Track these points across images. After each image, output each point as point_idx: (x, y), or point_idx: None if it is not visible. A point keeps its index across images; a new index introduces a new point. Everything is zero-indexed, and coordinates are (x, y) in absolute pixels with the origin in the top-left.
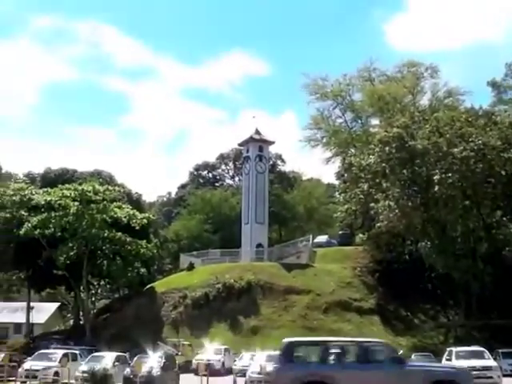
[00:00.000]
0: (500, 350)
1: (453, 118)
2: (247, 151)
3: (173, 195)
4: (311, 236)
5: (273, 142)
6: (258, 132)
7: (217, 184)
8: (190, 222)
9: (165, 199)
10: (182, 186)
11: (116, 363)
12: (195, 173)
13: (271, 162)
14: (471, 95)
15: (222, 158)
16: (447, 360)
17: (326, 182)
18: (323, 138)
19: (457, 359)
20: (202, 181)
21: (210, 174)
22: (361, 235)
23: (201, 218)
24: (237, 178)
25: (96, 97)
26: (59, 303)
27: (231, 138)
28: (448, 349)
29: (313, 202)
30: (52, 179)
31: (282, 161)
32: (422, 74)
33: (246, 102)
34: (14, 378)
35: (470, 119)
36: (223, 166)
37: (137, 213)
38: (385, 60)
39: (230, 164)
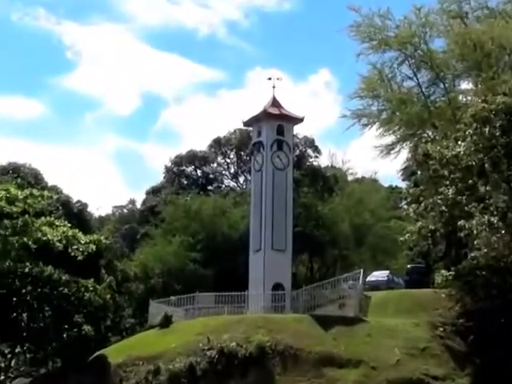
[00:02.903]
0: None
1: None
2: (258, 134)
3: (138, 205)
4: (362, 271)
5: (300, 120)
6: (275, 103)
7: (209, 187)
8: (165, 249)
9: (126, 211)
10: (154, 191)
11: None
12: (174, 169)
13: (297, 152)
14: None
15: (218, 145)
16: None
17: (387, 185)
18: (382, 112)
19: None
20: (185, 182)
21: (199, 172)
22: (444, 271)
23: (184, 241)
24: (241, 178)
25: (15, 46)
26: None
27: (232, 114)
28: None
29: (365, 217)
30: None
31: (316, 150)
32: None
33: (256, 54)
34: None
35: None
36: (219, 159)
37: (79, 234)
38: None
39: (231, 155)
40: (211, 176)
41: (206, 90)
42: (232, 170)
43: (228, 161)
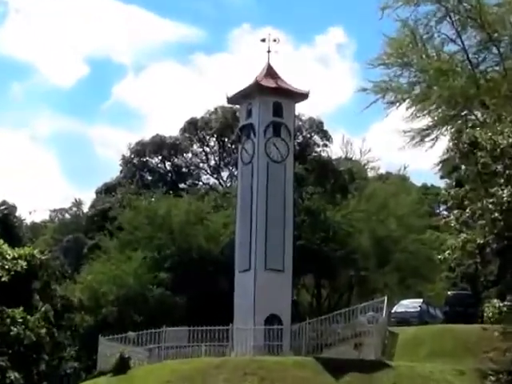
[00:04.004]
0: None
1: None
2: (248, 115)
3: (85, 208)
4: (386, 300)
5: (304, 96)
6: (271, 73)
7: (182, 185)
8: (122, 267)
9: (68, 217)
10: (107, 190)
11: None
12: (135, 161)
13: (300, 139)
14: None
15: (194, 129)
16: None
17: (420, 184)
18: (414, 85)
19: None
20: (149, 177)
21: (168, 164)
22: (496, 301)
23: (147, 256)
24: (225, 173)
25: None
26: None
27: (213, 87)
28: None
29: (391, 227)
30: None
31: (325, 136)
32: None
33: (244, 6)
34: None
35: None
36: (195, 147)
37: (4, 246)
38: None
39: (211, 142)
40: (184, 170)
41: (177, 54)
42: (212, 163)
43: (207, 150)
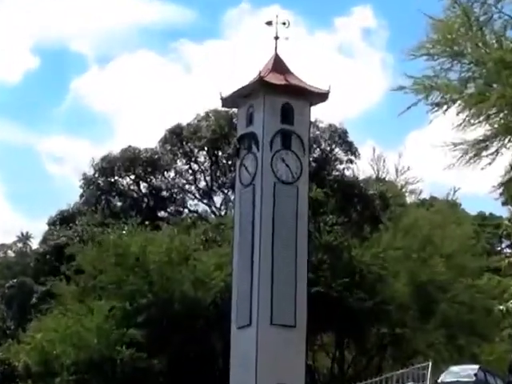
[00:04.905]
0: None
1: None
2: (249, 121)
3: (35, 244)
4: (430, 365)
5: (322, 96)
6: (279, 67)
7: (162, 213)
8: (83, 322)
9: (12, 255)
10: (63, 220)
11: None
12: (100, 181)
13: (318, 153)
14: None
15: (178, 140)
16: None
17: (475, 213)
18: (467, 81)
19: None
20: (118, 203)
21: (143, 186)
22: None
23: (115, 307)
24: (218, 198)
25: None
26: None
27: (202, 85)
28: None
29: (437, 269)
30: None
31: (349, 149)
32: None
33: None
34: None
35: None
36: (180, 164)
37: None
38: None
39: (200, 157)
40: (165, 194)
41: (155, 41)
42: (202, 184)
43: (195, 167)
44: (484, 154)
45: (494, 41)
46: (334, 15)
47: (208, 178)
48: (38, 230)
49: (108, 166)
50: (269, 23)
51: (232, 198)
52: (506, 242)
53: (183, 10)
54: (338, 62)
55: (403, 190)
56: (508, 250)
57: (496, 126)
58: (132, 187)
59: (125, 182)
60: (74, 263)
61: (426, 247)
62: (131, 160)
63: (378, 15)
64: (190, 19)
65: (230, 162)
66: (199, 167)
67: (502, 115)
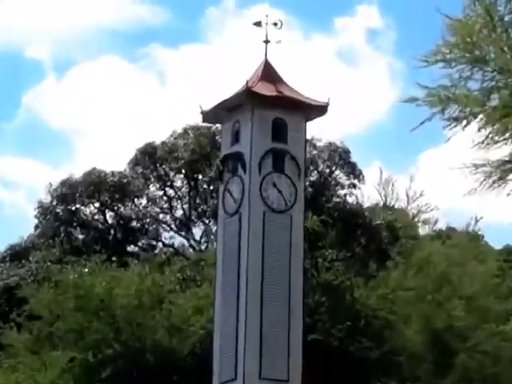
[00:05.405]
0: None
1: None
2: (235, 138)
3: None
4: None
5: (321, 110)
6: (270, 75)
7: (131, 247)
8: (37, 377)
9: None
10: (14, 256)
11: None
12: (58, 210)
13: (315, 176)
14: None
15: (150, 162)
16: None
17: (500, 247)
18: (490, 92)
19: None
20: (80, 236)
21: (109, 216)
22: None
23: (76, 359)
24: (197, 230)
25: None
26: None
27: (179, 97)
28: None
29: (455, 314)
30: None
31: (352, 172)
32: None
33: None
34: None
35: None
36: (152, 189)
37: None
38: None
39: (177, 182)
40: (135, 224)
41: (122, 45)
42: (179, 213)
43: (170, 193)
44: (510, 176)
45: None
46: (333, 15)
47: (186, 206)
48: None
49: (68, 192)
50: (257, 24)
51: (214, 229)
52: None
53: (155, 9)
54: (338, 69)
55: (415, 219)
56: None
57: None
58: (96, 217)
59: (88, 211)
60: (27, 307)
61: (443, 287)
62: (95, 185)
63: (384, 14)
64: (163, 20)
65: (211, 188)
66: (175, 193)
67: None
